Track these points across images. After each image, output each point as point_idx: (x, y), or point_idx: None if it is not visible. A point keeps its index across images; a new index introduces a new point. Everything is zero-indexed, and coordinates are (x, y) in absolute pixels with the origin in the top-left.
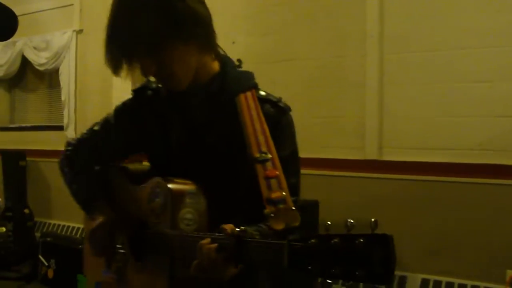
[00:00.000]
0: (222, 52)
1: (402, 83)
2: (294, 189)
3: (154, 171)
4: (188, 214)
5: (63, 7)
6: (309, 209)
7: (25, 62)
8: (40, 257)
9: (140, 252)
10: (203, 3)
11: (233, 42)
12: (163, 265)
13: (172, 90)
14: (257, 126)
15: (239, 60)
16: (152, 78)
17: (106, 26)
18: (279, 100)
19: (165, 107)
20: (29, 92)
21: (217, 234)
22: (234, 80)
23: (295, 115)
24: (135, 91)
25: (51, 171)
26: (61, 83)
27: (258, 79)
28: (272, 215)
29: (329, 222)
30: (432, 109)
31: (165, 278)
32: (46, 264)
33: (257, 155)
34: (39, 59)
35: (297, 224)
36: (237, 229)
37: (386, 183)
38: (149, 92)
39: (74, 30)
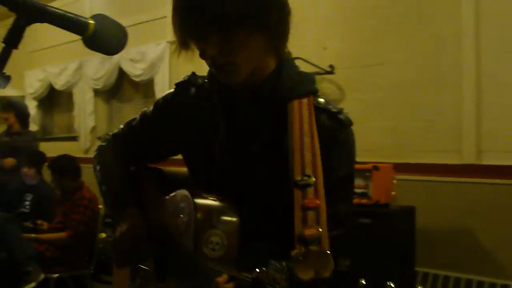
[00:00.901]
0: (286, 54)
1: (501, 84)
2: (343, 219)
3: (190, 179)
4: (214, 236)
5: (156, 19)
6: (406, 215)
7: (121, 74)
8: None
9: (162, 272)
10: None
11: (325, 48)
12: None
13: (221, 86)
14: (306, 140)
15: (331, 66)
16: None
17: None
18: (340, 111)
19: (210, 107)
20: (125, 102)
21: (235, 271)
22: (289, 83)
23: (389, 119)
24: (178, 85)
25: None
26: (156, 93)
27: (351, 84)
28: (301, 258)
29: (364, 282)
30: None
31: None
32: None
33: (299, 177)
34: (135, 70)
35: (327, 274)
36: (257, 270)
37: (485, 188)
38: (193, 89)
39: (167, 41)
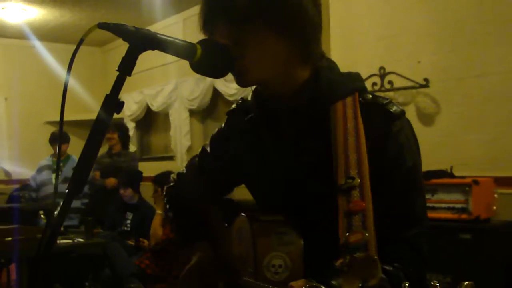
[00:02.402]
0: (324, 61)
1: None
2: (420, 215)
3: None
4: (276, 259)
5: None
6: (508, 230)
7: (216, 94)
8: None
9: None
10: (318, 8)
11: (419, 62)
12: None
13: (264, 102)
14: (351, 141)
15: (425, 79)
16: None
17: None
18: (389, 102)
19: (258, 127)
20: (220, 121)
21: None
22: (330, 85)
23: (488, 132)
24: (228, 114)
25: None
26: None
27: (447, 97)
28: (346, 268)
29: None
30: None
31: None
32: None
33: (342, 181)
34: (229, 90)
35: (374, 282)
36: (307, 286)
37: None
38: (243, 114)
39: None
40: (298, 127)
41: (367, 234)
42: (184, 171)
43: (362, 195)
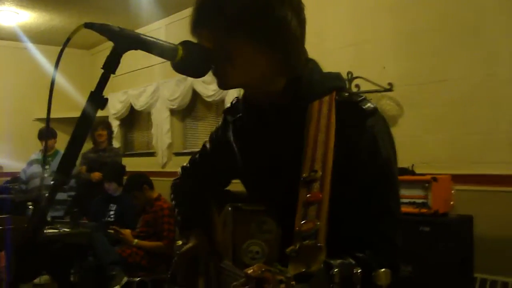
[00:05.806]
0: (309, 65)
1: None
2: (392, 208)
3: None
4: (253, 246)
5: None
6: (464, 224)
7: (195, 95)
8: None
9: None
10: (302, 22)
11: (384, 67)
12: None
13: (250, 103)
14: (321, 137)
15: (390, 84)
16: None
17: None
18: (363, 99)
19: (245, 125)
20: (199, 120)
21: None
22: (309, 85)
23: (447, 133)
24: (224, 112)
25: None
26: None
27: (410, 101)
28: (294, 254)
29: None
30: None
31: None
32: None
33: (306, 174)
34: (207, 91)
35: (315, 268)
36: (262, 270)
37: None
38: (237, 113)
39: None
40: (279, 125)
41: (318, 223)
42: (188, 166)
43: (321, 187)
